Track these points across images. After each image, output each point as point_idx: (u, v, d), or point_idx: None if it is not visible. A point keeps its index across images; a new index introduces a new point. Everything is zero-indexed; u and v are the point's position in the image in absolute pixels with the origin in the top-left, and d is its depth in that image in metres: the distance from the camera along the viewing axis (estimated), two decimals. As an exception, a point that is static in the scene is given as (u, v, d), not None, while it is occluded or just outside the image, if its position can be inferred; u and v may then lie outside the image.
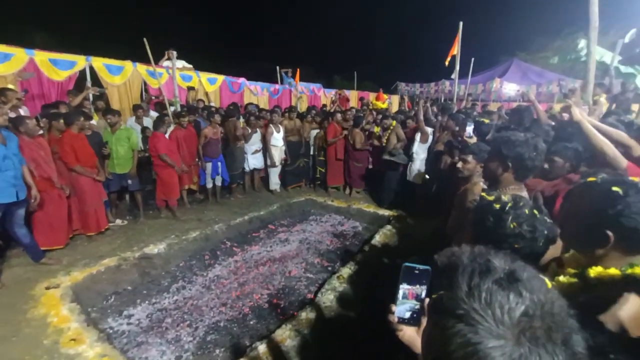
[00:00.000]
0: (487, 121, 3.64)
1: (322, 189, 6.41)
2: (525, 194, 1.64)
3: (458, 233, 1.97)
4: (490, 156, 1.70)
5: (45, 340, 2.44)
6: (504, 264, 0.48)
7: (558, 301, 0.45)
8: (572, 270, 1.01)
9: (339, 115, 6.00)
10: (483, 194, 1.20)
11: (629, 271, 0.87)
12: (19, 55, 4.92)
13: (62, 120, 3.74)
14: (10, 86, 4.18)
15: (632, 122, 2.90)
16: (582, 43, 7.80)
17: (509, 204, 1.04)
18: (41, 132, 3.60)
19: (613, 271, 0.89)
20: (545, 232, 0.99)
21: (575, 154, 1.90)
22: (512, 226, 1.00)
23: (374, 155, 5.90)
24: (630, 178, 0.93)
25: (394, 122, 5.45)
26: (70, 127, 3.73)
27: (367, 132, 5.91)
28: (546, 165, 1.93)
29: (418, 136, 5.04)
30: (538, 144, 1.58)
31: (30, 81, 4.99)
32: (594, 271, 0.92)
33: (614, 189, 0.90)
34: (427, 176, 4.90)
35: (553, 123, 2.97)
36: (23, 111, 4.09)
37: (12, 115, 3.48)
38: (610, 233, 0.89)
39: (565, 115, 2.05)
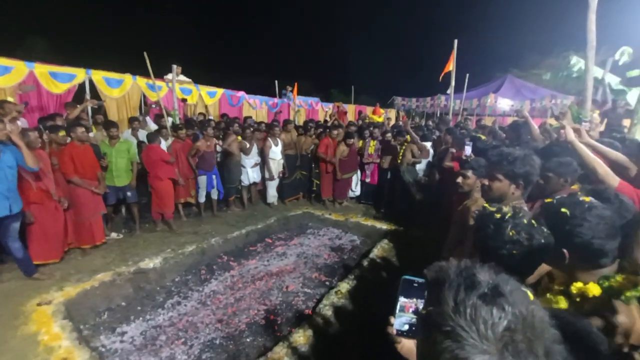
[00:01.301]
0: (484, 137, 3.68)
1: (317, 201, 6.42)
2: (525, 207, 1.66)
3: (457, 249, 1.97)
4: (497, 174, 1.68)
5: (35, 359, 2.36)
6: (489, 278, 0.50)
7: (539, 313, 0.47)
8: (558, 287, 1.09)
9: (334, 132, 6.07)
10: (486, 204, 1.24)
11: (606, 284, 0.94)
12: (19, 68, 4.96)
13: (61, 133, 3.74)
14: (9, 99, 4.20)
15: (624, 138, 2.96)
16: (573, 60, 8.02)
17: (509, 214, 1.11)
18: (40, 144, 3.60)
19: (593, 286, 0.95)
20: (542, 240, 1.03)
21: (568, 170, 1.93)
22: (510, 233, 1.06)
23: (377, 169, 5.97)
24: (582, 198, 1.00)
25: (409, 138, 5.43)
26: (72, 137, 3.74)
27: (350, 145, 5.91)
28: (541, 181, 1.96)
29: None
30: (537, 159, 1.66)
31: (30, 94, 5.01)
32: (575, 287, 0.99)
33: (563, 210, 0.99)
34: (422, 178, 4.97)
35: (547, 140, 3.02)
36: (21, 123, 4.08)
37: (11, 128, 3.47)
38: (564, 250, 0.97)
39: (562, 133, 2.09)
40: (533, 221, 1.08)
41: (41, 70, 5.23)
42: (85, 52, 14.69)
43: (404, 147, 5.44)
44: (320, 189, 6.24)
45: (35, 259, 3.39)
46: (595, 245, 0.94)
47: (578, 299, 0.98)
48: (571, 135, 1.90)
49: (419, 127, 7.51)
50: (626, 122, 5.90)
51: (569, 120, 3.19)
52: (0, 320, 2.74)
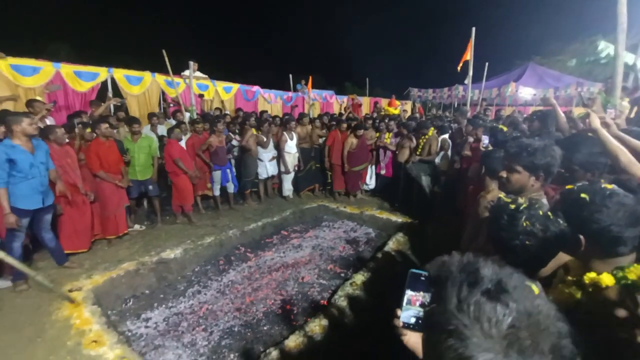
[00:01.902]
0: (505, 128, 3.56)
1: (330, 194, 6.45)
2: (545, 200, 1.62)
3: (473, 242, 1.95)
4: (516, 166, 1.64)
5: (69, 341, 2.53)
6: (492, 273, 0.49)
7: (545, 307, 0.46)
8: (571, 278, 1.07)
9: (344, 125, 6.05)
10: (501, 195, 1.22)
11: (620, 274, 0.92)
12: (47, 69, 5.21)
13: (88, 130, 3.93)
14: (38, 98, 4.42)
15: None
16: (601, 45, 7.60)
17: (524, 205, 1.09)
18: (67, 140, 3.79)
19: (606, 277, 0.93)
20: (557, 232, 1.02)
21: (597, 164, 1.85)
22: (524, 224, 1.05)
23: (392, 162, 5.93)
24: (604, 185, 0.98)
25: (431, 131, 5.31)
26: (97, 133, 3.92)
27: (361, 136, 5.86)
28: (566, 174, 1.89)
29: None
30: (557, 150, 1.61)
31: (57, 92, 5.26)
32: (588, 277, 0.97)
33: (582, 195, 0.98)
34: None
35: (573, 130, 2.89)
36: (49, 121, 4.31)
37: (41, 125, 3.68)
38: (581, 237, 0.96)
39: (587, 122, 2.00)
40: (549, 213, 1.06)
41: (67, 70, 5.47)
42: (106, 53, 15.22)
43: (423, 141, 5.33)
44: (332, 181, 6.28)
45: (65, 248, 3.61)
46: (614, 232, 0.92)
47: (591, 289, 0.97)
48: (596, 123, 1.82)
49: (439, 118, 7.35)
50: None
51: (599, 106, 3.02)
52: (36, 305, 2.94)
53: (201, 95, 7.44)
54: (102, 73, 5.94)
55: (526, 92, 11.58)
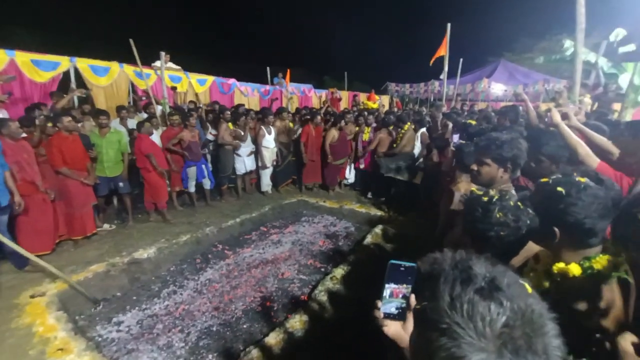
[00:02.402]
0: (474, 123, 3.68)
1: (307, 189, 6.43)
2: (513, 191, 1.67)
3: (447, 233, 1.99)
4: (485, 159, 1.70)
5: (31, 350, 2.36)
6: (485, 271, 0.48)
7: (537, 306, 0.46)
8: (541, 267, 1.12)
9: (318, 117, 6.03)
10: (473, 188, 1.28)
11: (587, 264, 0.97)
12: (-1, 57, 4.78)
13: (50, 123, 3.65)
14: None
15: (618, 122, 2.98)
16: (567, 44, 7.98)
17: (496, 197, 1.15)
18: (24, 134, 3.50)
19: (573, 267, 0.98)
20: (528, 222, 1.07)
21: (561, 156, 1.94)
22: (498, 216, 1.09)
23: (371, 156, 5.97)
24: (578, 179, 1.02)
25: (407, 125, 5.40)
26: (59, 127, 3.64)
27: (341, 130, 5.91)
28: (532, 164, 1.97)
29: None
30: (523, 142, 1.69)
31: (12, 83, 4.85)
32: (557, 267, 1.01)
33: (558, 189, 1.00)
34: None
35: (541, 125, 3.02)
36: (2, 114, 3.97)
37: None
38: (556, 229, 0.99)
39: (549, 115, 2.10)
40: (519, 203, 1.12)
41: (23, 58, 5.05)
42: (68, 40, 14.15)
43: (401, 134, 5.41)
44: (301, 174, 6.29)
45: (26, 251, 3.35)
46: (587, 225, 0.95)
47: (559, 279, 1.00)
48: (557, 118, 1.92)
49: (417, 112, 7.47)
50: (616, 107, 5.96)
51: (565, 100, 3.17)
52: (-6, 313, 2.72)
53: (174, 88, 7.13)
54: (64, 62, 5.54)
55: (498, 88, 12.04)
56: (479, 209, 1.14)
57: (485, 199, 1.15)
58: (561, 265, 1.00)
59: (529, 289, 0.49)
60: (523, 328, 0.42)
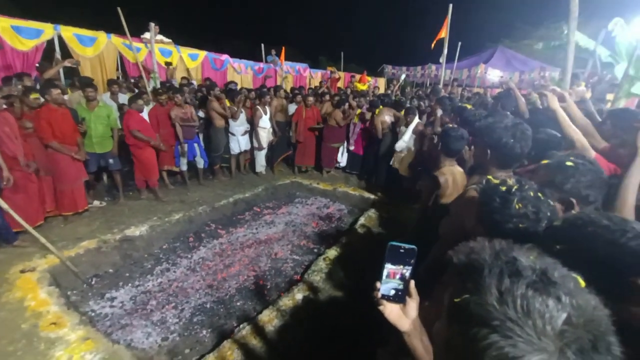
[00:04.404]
0: (469, 107, 3.66)
1: (301, 171, 6.41)
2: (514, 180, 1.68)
3: (442, 221, 1.98)
4: (475, 142, 1.73)
5: (24, 324, 2.36)
6: (533, 262, 0.45)
7: (595, 301, 0.43)
8: None
9: (310, 99, 5.94)
10: (489, 177, 1.21)
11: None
12: (-23, 21, 4.49)
13: (33, 95, 3.47)
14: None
15: (601, 110, 2.99)
16: (566, 30, 7.92)
17: (515, 187, 1.06)
18: (5, 106, 3.33)
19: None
20: (548, 213, 1.01)
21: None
22: (517, 207, 1.02)
23: (364, 138, 5.93)
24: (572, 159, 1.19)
25: (378, 110, 5.40)
26: (47, 99, 3.47)
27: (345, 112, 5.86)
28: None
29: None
30: (519, 130, 1.53)
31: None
32: None
33: (568, 163, 1.16)
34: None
35: (527, 115, 3.03)
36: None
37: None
38: (573, 200, 1.15)
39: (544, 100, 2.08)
40: (540, 193, 1.05)
41: (3, 24, 4.77)
42: (52, 7, 13.35)
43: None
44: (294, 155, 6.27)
45: (13, 227, 3.28)
46: (591, 199, 1.09)
47: None
48: (555, 104, 1.90)
49: (418, 97, 7.43)
50: (610, 97, 6.01)
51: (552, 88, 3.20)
52: (-17, 287, 2.69)
53: (169, 64, 6.87)
54: (48, 30, 5.25)
55: (494, 74, 11.98)
56: (496, 198, 1.06)
57: (504, 188, 1.07)
58: None
59: (582, 283, 0.45)
60: (586, 327, 0.39)
